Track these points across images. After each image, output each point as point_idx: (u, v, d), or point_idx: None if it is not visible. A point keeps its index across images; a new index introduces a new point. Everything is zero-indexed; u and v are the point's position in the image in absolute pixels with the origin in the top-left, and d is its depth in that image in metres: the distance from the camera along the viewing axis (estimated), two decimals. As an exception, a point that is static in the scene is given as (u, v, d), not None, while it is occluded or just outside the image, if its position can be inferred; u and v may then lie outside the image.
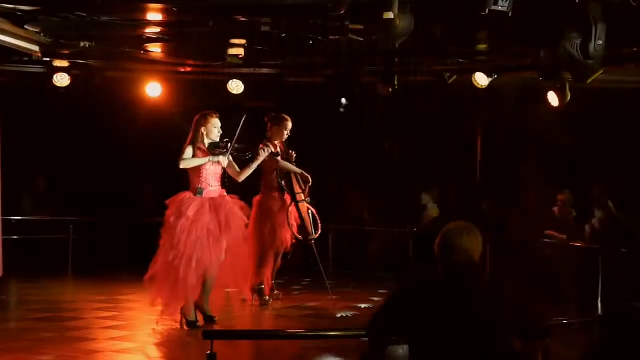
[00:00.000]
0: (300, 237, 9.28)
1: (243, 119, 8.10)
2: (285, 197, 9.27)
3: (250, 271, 9.05)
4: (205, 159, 8.05)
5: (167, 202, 8.04)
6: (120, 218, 11.73)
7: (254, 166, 8.34)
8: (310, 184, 9.28)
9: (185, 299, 7.90)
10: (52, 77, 11.10)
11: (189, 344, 7.60)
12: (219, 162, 8.08)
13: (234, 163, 8.27)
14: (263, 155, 8.41)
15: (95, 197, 12.81)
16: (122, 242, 12.21)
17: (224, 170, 8.16)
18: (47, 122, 12.87)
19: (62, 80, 11.11)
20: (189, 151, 8.03)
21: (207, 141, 8.15)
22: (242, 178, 8.31)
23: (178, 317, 7.97)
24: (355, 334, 6.27)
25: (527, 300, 4.05)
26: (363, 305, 9.49)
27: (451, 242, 3.96)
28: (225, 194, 8.18)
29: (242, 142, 8.23)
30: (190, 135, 8.15)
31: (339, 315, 8.90)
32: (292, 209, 9.28)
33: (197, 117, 8.21)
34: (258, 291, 9.22)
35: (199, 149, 8.09)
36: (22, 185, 13.05)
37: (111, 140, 12.96)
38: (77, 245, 12.51)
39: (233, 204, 8.13)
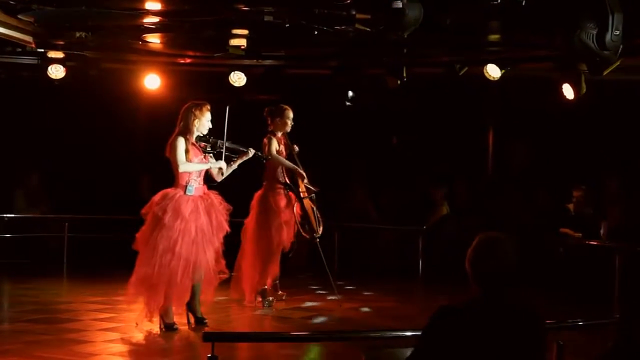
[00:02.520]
0: (306, 235, 9.08)
1: (227, 110, 7.81)
2: (289, 193, 9.04)
3: (254, 272, 8.90)
4: (207, 165, 7.83)
5: (155, 198, 7.74)
6: (117, 215, 11.50)
7: (235, 166, 8.08)
8: (305, 181, 9.03)
9: (174, 301, 7.71)
10: (46, 69, 10.94)
11: (188, 346, 7.47)
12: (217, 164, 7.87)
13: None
14: (248, 155, 8.13)
15: (91, 193, 12.72)
16: (119, 241, 11.95)
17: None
18: (42, 116, 12.71)
19: (57, 72, 10.97)
20: (181, 145, 7.70)
21: (195, 133, 7.84)
22: (221, 177, 8.04)
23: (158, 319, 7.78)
24: (361, 336, 6.12)
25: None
26: (369, 306, 9.40)
27: (484, 256, 3.65)
28: (207, 189, 7.94)
29: (231, 140, 7.94)
30: (179, 125, 7.81)
31: (344, 317, 8.74)
32: (296, 206, 9.07)
33: (188, 105, 7.85)
34: (261, 292, 9.06)
35: (190, 142, 7.79)
36: (15, 182, 12.96)
37: (108, 134, 12.85)
38: (73, 243, 12.31)
39: (219, 203, 7.91)
